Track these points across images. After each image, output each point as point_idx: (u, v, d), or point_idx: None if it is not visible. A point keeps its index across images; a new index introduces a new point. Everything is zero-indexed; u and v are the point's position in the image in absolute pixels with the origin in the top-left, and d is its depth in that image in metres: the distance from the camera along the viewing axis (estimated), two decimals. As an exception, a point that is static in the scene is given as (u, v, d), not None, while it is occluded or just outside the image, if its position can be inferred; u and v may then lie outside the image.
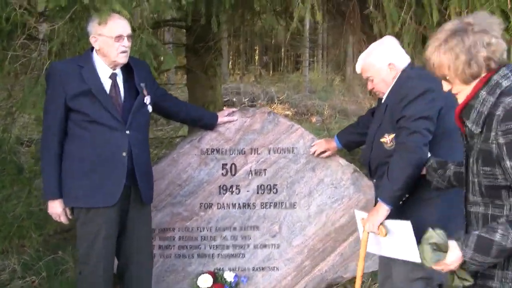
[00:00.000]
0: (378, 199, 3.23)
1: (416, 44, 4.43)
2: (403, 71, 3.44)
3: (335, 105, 16.88)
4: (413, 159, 3.13)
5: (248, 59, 33.38)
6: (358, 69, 3.57)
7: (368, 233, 3.27)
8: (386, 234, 3.16)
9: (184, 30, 7.63)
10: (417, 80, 3.30)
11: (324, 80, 25.02)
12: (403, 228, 3.07)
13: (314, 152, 4.25)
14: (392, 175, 3.17)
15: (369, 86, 3.55)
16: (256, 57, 32.93)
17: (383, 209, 3.18)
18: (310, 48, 21.56)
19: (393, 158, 3.20)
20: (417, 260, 2.85)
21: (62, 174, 3.49)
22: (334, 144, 4.18)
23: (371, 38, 4.97)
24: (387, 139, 3.33)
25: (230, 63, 30.37)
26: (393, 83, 3.43)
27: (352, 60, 5.33)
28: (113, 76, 3.52)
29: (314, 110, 16.54)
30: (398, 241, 3.13)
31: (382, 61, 3.44)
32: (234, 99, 16.41)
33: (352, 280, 4.47)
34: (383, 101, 3.49)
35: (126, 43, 3.45)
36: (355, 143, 4.19)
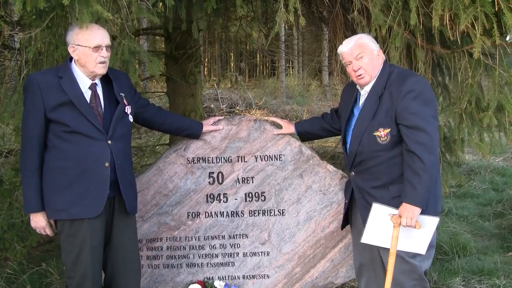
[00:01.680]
0: (408, 203, 3.27)
1: (403, 49, 4.44)
2: (386, 64, 3.55)
3: (313, 110, 16.97)
4: (435, 161, 3.28)
5: (223, 65, 33.43)
6: (347, 47, 3.52)
7: (399, 228, 3.32)
8: (420, 227, 3.31)
9: (163, 38, 7.59)
10: (418, 77, 3.45)
11: (300, 85, 25.19)
12: (431, 222, 3.35)
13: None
14: (420, 178, 3.22)
15: (355, 66, 3.49)
16: (232, 63, 33.00)
17: (417, 209, 3.27)
18: (286, 54, 21.63)
19: (414, 160, 3.23)
20: (423, 252, 3.40)
21: (43, 186, 3.42)
22: (292, 128, 4.24)
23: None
24: (382, 133, 3.37)
25: (206, 69, 30.37)
26: (378, 73, 3.49)
27: (335, 65, 5.32)
28: (93, 87, 3.47)
29: (293, 115, 16.60)
30: (417, 234, 3.35)
31: (374, 44, 3.54)
32: (212, 106, 16.38)
33: (343, 286, 4.49)
34: (367, 91, 3.52)
35: (105, 54, 3.40)
36: (312, 135, 4.31)
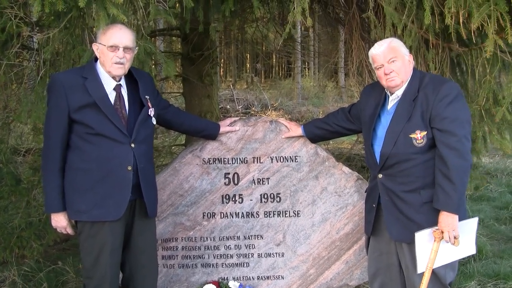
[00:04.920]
0: (445, 211, 3.27)
1: (419, 48, 4.44)
2: (415, 69, 3.54)
3: (328, 111, 16.84)
4: (469, 167, 3.29)
5: (239, 66, 33.48)
6: (379, 49, 3.48)
7: (440, 242, 3.32)
8: (458, 244, 3.35)
9: (179, 39, 7.62)
10: (454, 83, 3.47)
11: (316, 86, 25.17)
12: (471, 224, 3.41)
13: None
14: (453, 184, 3.22)
15: (387, 69, 3.44)
16: (248, 64, 33.04)
17: (456, 217, 3.27)
18: (302, 55, 21.66)
19: (445, 165, 3.22)
20: (473, 252, 3.45)
21: (65, 187, 3.42)
22: (300, 131, 4.26)
23: (370, 44, 4.98)
24: (418, 135, 3.35)
25: (222, 70, 30.43)
26: (409, 78, 3.48)
27: (351, 67, 5.32)
28: (117, 88, 3.46)
29: (308, 116, 16.58)
30: (462, 239, 3.35)
31: (405, 49, 3.52)
32: (228, 106, 16.41)
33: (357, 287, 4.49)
34: (398, 96, 3.49)
35: (120, 55, 3.36)
36: (321, 138, 4.31)
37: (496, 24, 3.76)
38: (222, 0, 4.72)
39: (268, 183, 4.29)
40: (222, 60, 29.66)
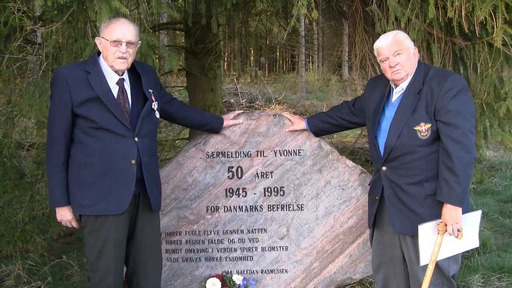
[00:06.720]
0: (448, 204, 3.27)
1: (422, 41, 4.42)
2: (420, 62, 3.53)
3: (332, 105, 16.80)
4: (472, 160, 3.27)
5: (243, 60, 33.42)
6: (384, 42, 3.48)
7: (444, 235, 3.33)
8: (462, 237, 3.36)
9: (183, 33, 7.61)
10: (459, 76, 3.45)
11: (320, 80, 25.13)
12: (474, 217, 3.42)
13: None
14: (457, 177, 3.22)
15: (392, 62, 3.44)
16: (251, 58, 32.97)
17: (459, 210, 3.28)
18: (305, 48, 21.60)
19: (449, 158, 3.23)
20: (477, 245, 3.46)
21: (69, 181, 3.43)
22: (303, 124, 4.25)
23: (374, 37, 4.96)
24: (423, 127, 3.35)
25: (226, 64, 30.39)
26: (414, 71, 3.48)
27: (355, 60, 5.30)
28: (120, 82, 3.45)
29: (312, 110, 16.55)
30: (465, 232, 3.38)
31: (410, 42, 3.51)
32: (232, 100, 16.38)
33: (361, 281, 4.48)
34: (403, 88, 3.49)
35: (123, 49, 3.36)
36: (324, 132, 4.30)
37: (503, 16, 3.74)
38: (224, -7, 4.70)
39: (271, 177, 4.29)
40: (226, 54, 29.59)
